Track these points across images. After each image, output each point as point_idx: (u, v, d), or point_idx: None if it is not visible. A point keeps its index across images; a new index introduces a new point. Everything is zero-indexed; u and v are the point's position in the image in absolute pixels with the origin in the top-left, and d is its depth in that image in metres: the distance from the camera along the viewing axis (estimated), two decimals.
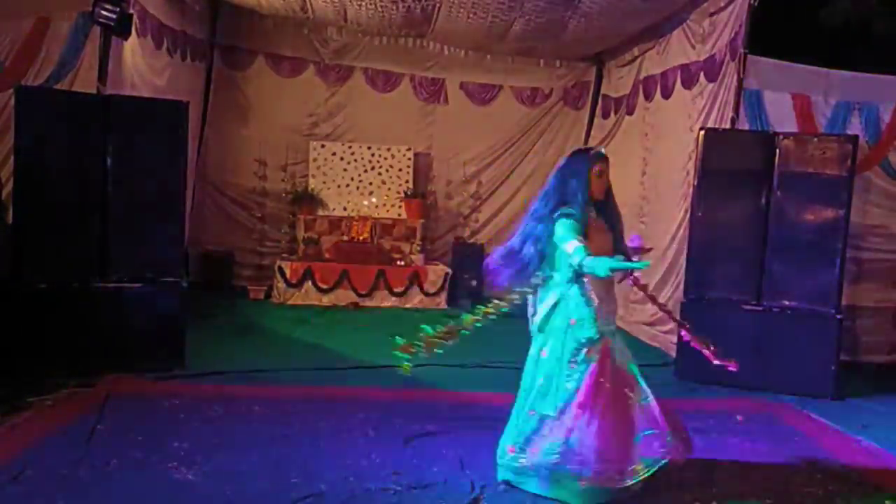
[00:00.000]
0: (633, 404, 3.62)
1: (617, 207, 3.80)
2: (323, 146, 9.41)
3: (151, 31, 6.98)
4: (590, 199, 3.67)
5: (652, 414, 3.63)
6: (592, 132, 9.83)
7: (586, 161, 3.70)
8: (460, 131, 9.69)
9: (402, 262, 9.04)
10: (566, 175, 3.72)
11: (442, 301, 8.89)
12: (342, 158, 9.40)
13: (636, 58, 8.48)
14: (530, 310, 3.84)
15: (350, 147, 9.44)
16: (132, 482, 3.56)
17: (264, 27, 9.07)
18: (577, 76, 9.91)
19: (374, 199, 9.44)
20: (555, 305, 3.68)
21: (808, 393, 5.70)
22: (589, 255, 3.45)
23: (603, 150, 3.78)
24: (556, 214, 3.61)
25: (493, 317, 3.63)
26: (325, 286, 8.71)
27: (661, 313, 7.26)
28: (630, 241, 3.90)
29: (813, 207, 5.83)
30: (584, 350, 3.60)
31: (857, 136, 6.00)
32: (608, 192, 3.75)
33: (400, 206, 9.44)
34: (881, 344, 7.08)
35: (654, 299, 4.31)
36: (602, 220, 3.74)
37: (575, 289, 3.63)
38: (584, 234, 3.56)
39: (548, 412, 3.63)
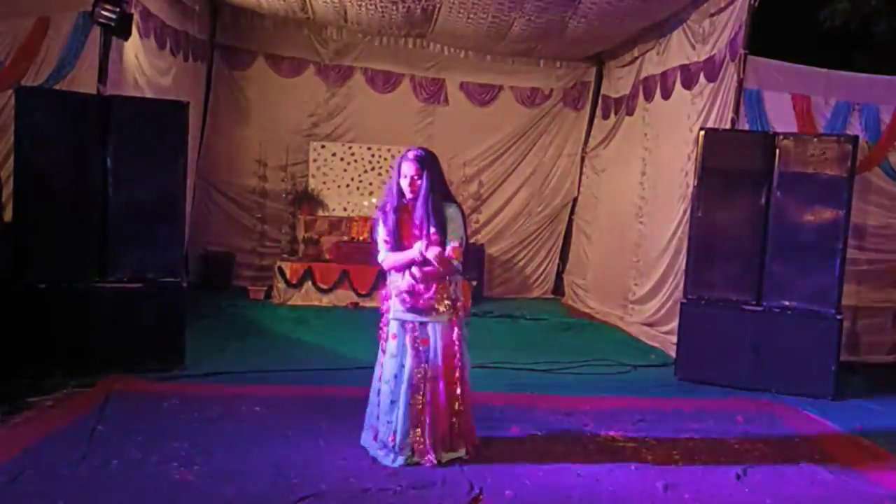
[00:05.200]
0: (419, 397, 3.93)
1: (430, 206, 3.87)
2: (323, 146, 9.41)
3: (154, 31, 6.99)
4: (402, 198, 3.93)
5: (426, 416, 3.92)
6: (592, 132, 9.85)
7: (398, 163, 3.95)
8: (460, 132, 9.68)
9: None
10: (392, 176, 4.03)
11: None
12: (342, 159, 9.41)
13: (636, 58, 8.49)
14: None
15: (350, 147, 9.44)
16: (132, 482, 3.56)
17: (264, 27, 9.08)
18: (577, 76, 9.92)
19: (374, 200, 9.43)
20: None
21: (808, 393, 5.69)
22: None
23: (411, 154, 3.92)
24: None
25: None
26: (325, 286, 8.71)
27: (659, 313, 7.34)
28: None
29: (813, 207, 5.83)
30: (386, 331, 4.00)
31: (857, 137, 5.99)
32: (420, 192, 3.89)
33: None
34: (881, 344, 7.08)
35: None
36: (413, 220, 3.92)
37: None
38: (395, 229, 3.91)
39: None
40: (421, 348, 3.95)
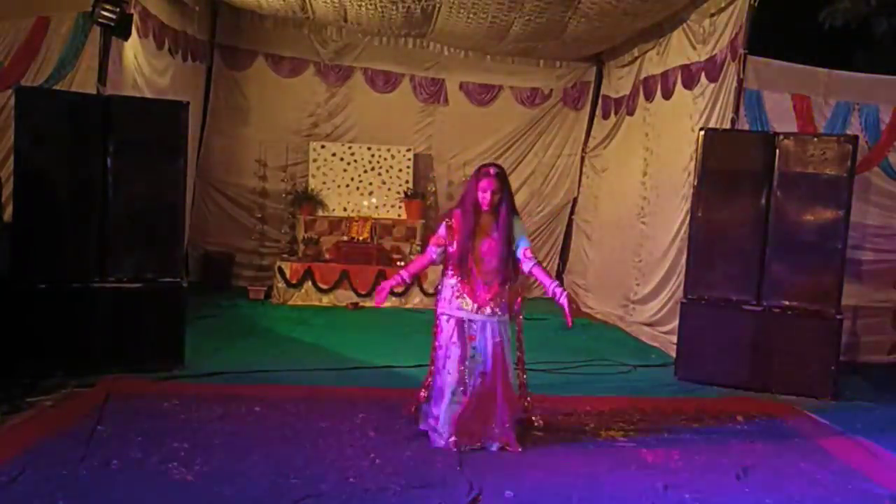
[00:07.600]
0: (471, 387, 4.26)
1: (508, 219, 4.25)
2: (323, 146, 9.41)
3: (153, 31, 6.99)
4: (479, 209, 4.25)
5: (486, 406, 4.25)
6: (592, 132, 9.84)
7: (475, 177, 4.29)
8: (460, 132, 9.68)
9: (402, 263, 9.03)
10: (466, 187, 4.38)
11: None
12: (342, 159, 9.41)
13: (636, 58, 8.48)
14: None
15: (350, 147, 9.44)
16: (132, 482, 3.56)
17: (264, 27, 9.08)
18: (577, 76, 9.91)
19: (373, 200, 9.44)
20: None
21: (808, 393, 5.70)
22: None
23: (492, 170, 4.26)
24: None
25: None
26: (324, 286, 8.72)
27: (661, 313, 7.33)
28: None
29: (813, 207, 5.83)
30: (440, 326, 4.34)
31: (857, 137, 5.99)
32: (498, 204, 4.23)
33: (400, 207, 9.44)
34: (881, 344, 7.08)
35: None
36: (492, 229, 4.27)
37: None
38: (470, 237, 4.22)
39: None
40: (469, 344, 4.26)
